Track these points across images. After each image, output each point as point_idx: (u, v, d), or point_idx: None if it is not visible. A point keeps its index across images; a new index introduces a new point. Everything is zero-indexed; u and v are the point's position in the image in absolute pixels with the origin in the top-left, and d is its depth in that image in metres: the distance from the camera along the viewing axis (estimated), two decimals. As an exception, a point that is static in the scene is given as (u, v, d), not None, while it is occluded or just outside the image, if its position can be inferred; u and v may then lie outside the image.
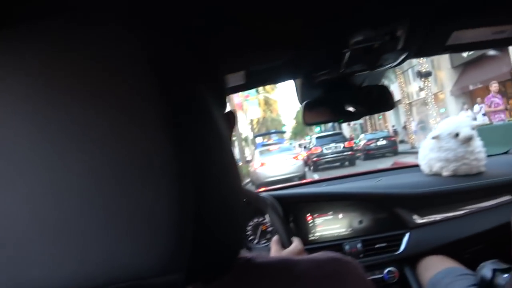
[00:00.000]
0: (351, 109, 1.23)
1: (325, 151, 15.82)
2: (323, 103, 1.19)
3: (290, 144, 19.47)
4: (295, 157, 13.54)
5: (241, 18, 0.79)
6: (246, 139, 28.24)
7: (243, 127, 29.04)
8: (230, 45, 0.87)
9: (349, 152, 15.86)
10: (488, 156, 1.61)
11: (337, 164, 15.77)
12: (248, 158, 20.73)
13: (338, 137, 16.41)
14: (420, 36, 0.92)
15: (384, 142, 17.15)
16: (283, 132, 33.28)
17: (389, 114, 27.85)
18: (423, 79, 15.79)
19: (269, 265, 0.41)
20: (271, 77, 1.11)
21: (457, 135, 1.49)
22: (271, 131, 32.26)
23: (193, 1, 0.69)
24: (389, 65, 1.03)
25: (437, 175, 1.63)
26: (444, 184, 1.53)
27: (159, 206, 0.27)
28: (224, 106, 0.47)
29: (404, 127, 22.15)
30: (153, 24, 0.37)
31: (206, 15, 0.74)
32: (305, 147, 18.89)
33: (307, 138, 32.99)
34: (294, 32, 0.86)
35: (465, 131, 1.47)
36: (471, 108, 12.57)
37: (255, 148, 18.95)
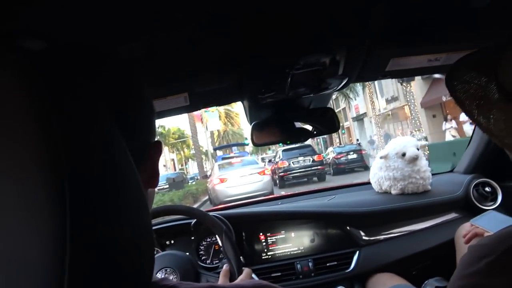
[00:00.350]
0: (300, 130, 1.24)
1: (292, 166, 14.25)
2: (271, 124, 1.20)
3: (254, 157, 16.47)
4: (262, 172, 11.53)
5: (180, 43, 0.79)
6: (206, 153, 26.99)
7: (203, 140, 27.67)
8: (170, 68, 0.86)
9: (319, 167, 14.31)
10: (434, 174, 1.67)
11: (305, 180, 14.47)
12: (208, 173, 18.06)
13: (307, 150, 14.70)
14: (358, 62, 0.95)
15: (354, 156, 16.09)
16: (245, 145, 30.13)
17: (354, 127, 28.27)
18: (403, 84, 15.43)
19: None
20: (216, 99, 1.11)
21: (403, 154, 1.54)
22: (231, 144, 30.37)
23: (130, 26, 0.68)
24: (332, 88, 1.05)
25: (386, 193, 1.67)
26: (392, 202, 1.58)
27: (32, 242, 0.26)
28: (151, 135, 0.47)
29: (371, 141, 22.34)
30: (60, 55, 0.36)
31: (143, 40, 0.74)
32: (270, 161, 17.24)
33: (269, 152, 31.74)
34: (236, 56, 0.87)
35: (411, 151, 1.53)
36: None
37: (216, 162, 16.69)
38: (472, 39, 0.98)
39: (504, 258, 0.51)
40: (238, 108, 37.60)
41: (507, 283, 0.49)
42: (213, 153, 26.45)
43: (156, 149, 0.45)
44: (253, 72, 0.93)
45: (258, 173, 11.47)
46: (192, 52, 0.83)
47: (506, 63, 0.54)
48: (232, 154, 18.51)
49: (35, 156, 0.27)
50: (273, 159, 17.73)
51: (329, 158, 16.90)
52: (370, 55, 0.94)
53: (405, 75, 1.15)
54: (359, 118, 27.29)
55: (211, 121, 26.21)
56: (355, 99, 24.40)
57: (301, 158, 14.29)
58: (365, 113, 25.59)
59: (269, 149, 36.70)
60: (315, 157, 14.40)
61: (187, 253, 1.44)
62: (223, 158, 16.17)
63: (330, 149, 18.88)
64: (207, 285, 0.43)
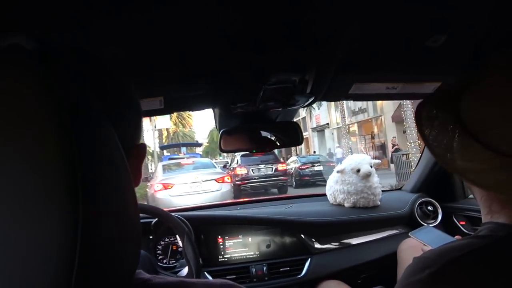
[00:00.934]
0: (265, 139, 1.31)
1: (252, 174, 12.23)
2: (239, 133, 1.26)
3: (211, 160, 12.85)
4: (220, 179, 8.90)
5: (160, 50, 0.83)
6: (152, 153, 22.95)
7: (149, 139, 23.37)
8: (149, 72, 0.90)
9: (281, 177, 12.42)
10: (383, 191, 1.80)
11: (263, 191, 12.35)
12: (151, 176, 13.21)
13: (270, 157, 12.71)
14: (325, 84, 1.04)
15: (321, 167, 14.14)
16: (198, 145, 25.18)
17: (313, 138, 27.27)
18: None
19: (166, 285, 0.44)
20: (190, 105, 1.15)
21: (358, 171, 1.66)
22: (182, 143, 23.68)
23: (111, 30, 0.72)
24: (300, 105, 1.13)
25: (340, 205, 1.78)
26: (345, 214, 1.68)
27: (47, 233, 0.29)
28: (137, 137, 0.50)
29: (329, 154, 21.23)
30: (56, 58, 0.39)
31: (122, 44, 0.77)
32: (224, 166, 14.21)
33: (220, 158, 27.92)
34: (212, 67, 0.92)
35: (365, 168, 1.64)
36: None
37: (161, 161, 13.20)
38: (425, 73, 1.10)
39: (445, 270, 0.57)
40: (191, 109, 35.45)
41: None
42: (159, 153, 22.62)
43: (140, 151, 0.48)
44: (228, 84, 0.99)
45: (215, 180, 8.77)
46: (171, 60, 0.88)
47: (466, 104, 0.61)
48: (181, 155, 14.87)
49: (52, 150, 0.30)
50: (227, 165, 15.37)
51: (291, 169, 14.95)
52: (335, 78, 1.03)
53: (366, 99, 1.26)
54: (320, 129, 26.70)
55: (160, 118, 21.90)
56: (318, 109, 23.62)
57: (262, 166, 12.40)
58: (327, 124, 24.95)
59: (220, 154, 32.06)
60: (279, 166, 12.55)
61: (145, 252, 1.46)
62: (170, 159, 12.95)
63: (292, 158, 17.11)
64: (178, 280, 0.47)
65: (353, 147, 19.04)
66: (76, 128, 0.31)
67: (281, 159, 16.48)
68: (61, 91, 0.31)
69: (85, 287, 0.31)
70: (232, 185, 9.67)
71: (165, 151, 21.95)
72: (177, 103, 1.09)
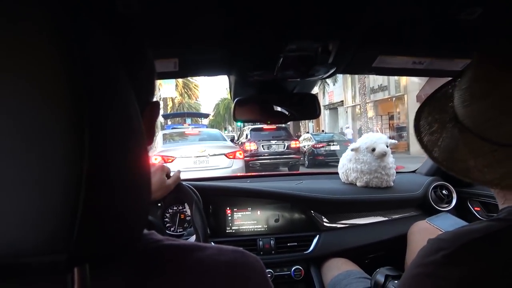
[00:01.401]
0: (279, 112, 1.27)
1: (262, 150, 11.23)
2: (254, 102, 1.21)
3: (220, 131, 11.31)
4: (231, 154, 7.57)
5: (176, 8, 0.78)
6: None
7: None
8: (165, 32, 0.86)
9: (294, 156, 11.37)
10: (398, 172, 1.76)
11: (274, 169, 11.19)
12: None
13: (282, 132, 11.61)
14: (348, 55, 0.98)
15: (337, 147, 12.95)
16: (206, 116, 22.99)
17: (324, 116, 26.38)
18: None
19: (179, 247, 0.43)
20: (205, 69, 1.11)
21: (373, 150, 1.61)
22: (187, 112, 22.54)
23: None
24: (319, 76, 1.08)
25: (352, 184, 1.74)
26: (356, 193, 1.65)
27: (52, 167, 0.27)
28: (150, 93, 0.47)
29: (341, 133, 19.60)
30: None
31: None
32: (232, 140, 12.10)
33: (225, 132, 26.08)
34: (230, 29, 0.87)
35: (380, 147, 1.59)
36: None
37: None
38: (456, 49, 1.03)
39: (459, 253, 0.56)
40: (198, 79, 33.92)
41: (458, 275, 0.55)
42: (163, 122, 20.72)
43: (154, 108, 0.46)
44: (246, 48, 0.94)
45: (225, 154, 7.51)
46: (188, 19, 0.83)
47: (458, 101, 0.62)
48: (186, 125, 13.22)
49: (60, 89, 0.27)
50: (235, 139, 13.78)
51: (304, 146, 13.80)
52: (359, 49, 0.97)
53: (390, 73, 1.19)
54: (333, 107, 25.57)
55: (165, 86, 21.73)
56: (334, 85, 22.37)
57: (273, 142, 11.35)
58: (341, 101, 23.65)
59: (225, 129, 31.88)
60: (291, 143, 11.42)
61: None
62: (174, 128, 11.30)
63: (306, 135, 15.73)
64: (190, 243, 0.45)
65: (366, 127, 17.49)
66: (85, 64, 0.29)
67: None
68: (69, 18, 0.29)
69: (89, 234, 0.29)
70: (243, 162, 8.12)
71: (168, 121, 21.00)
72: (192, 66, 1.04)
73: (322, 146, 13.39)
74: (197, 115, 22.65)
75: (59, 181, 0.27)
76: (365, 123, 17.46)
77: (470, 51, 1.07)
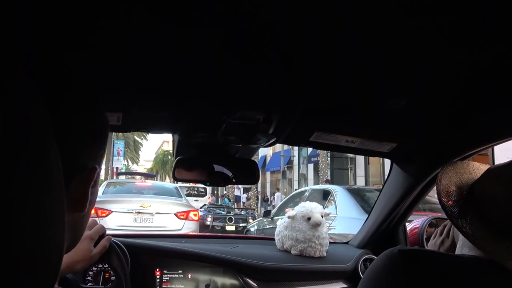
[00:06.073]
0: (222, 174, 1.29)
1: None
2: (195, 163, 1.23)
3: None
4: (183, 214, 6.40)
5: (124, 64, 0.80)
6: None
7: None
8: (111, 85, 0.87)
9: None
10: (331, 243, 1.80)
11: None
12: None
13: None
14: (288, 126, 1.05)
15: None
16: (153, 176, 21.00)
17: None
18: None
19: None
20: (149, 126, 1.12)
21: (309, 219, 1.65)
22: (138, 172, 20.01)
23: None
24: (260, 144, 1.13)
25: (287, 251, 1.75)
26: (290, 261, 1.65)
27: None
28: (90, 159, 0.45)
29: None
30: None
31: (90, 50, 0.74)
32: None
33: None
34: (179, 92, 0.90)
35: (316, 217, 1.64)
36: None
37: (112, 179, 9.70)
38: (384, 133, 1.15)
39: None
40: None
41: None
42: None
43: (90, 174, 0.44)
44: (191, 111, 0.97)
45: (175, 214, 6.35)
46: (135, 76, 0.85)
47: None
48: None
49: None
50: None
51: None
52: (298, 123, 1.05)
53: (326, 148, 1.28)
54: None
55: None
56: None
57: None
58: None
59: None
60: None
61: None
62: (120, 174, 9.89)
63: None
64: None
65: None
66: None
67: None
68: None
69: None
70: (198, 224, 6.90)
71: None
72: (136, 122, 1.05)
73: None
74: (146, 175, 21.47)
75: None
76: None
77: (396, 136, 1.19)
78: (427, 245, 1.45)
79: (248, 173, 1.27)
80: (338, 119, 1.07)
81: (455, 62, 0.76)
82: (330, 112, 1.02)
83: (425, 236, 1.51)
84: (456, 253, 0.87)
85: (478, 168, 0.90)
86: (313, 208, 1.66)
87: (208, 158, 1.23)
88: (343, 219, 4.68)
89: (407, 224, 1.75)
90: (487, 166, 0.88)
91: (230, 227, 8.98)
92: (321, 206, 1.73)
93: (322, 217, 1.66)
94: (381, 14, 0.59)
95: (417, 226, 1.60)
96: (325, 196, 5.59)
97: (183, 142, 1.17)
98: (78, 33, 0.66)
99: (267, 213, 7.01)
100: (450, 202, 0.81)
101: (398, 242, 1.80)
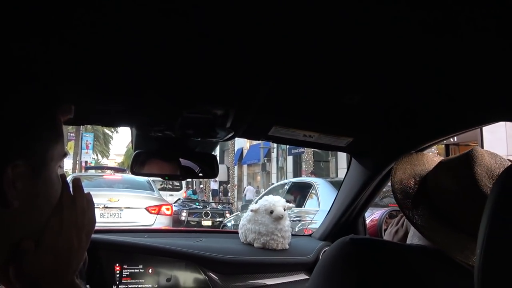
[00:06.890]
0: (180, 169, 1.28)
1: None
2: (153, 157, 1.21)
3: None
4: (155, 208, 6.09)
5: (75, 56, 0.78)
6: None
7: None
8: (63, 74, 0.84)
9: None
10: (293, 235, 1.83)
11: None
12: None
13: None
14: (245, 121, 1.05)
15: None
16: (123, 170, 16.37)
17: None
18: None
19: None
20: (104, 119, 1.09)
21: (271, 212, 1.67)
22: (107, 166, 17.54)
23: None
24: (218, 138, 1.13)
25: (250, 244, 1.76)
26: (252, 254, 1.67)
27: None
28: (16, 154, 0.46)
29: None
30: None
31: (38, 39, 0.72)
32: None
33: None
34: (132, 84, 0.89)
35: (278, 210, 1.66)
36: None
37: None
38: (340, 127, 1.17)
39: None
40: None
41: None
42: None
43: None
44: (145, 105, 0.96)
45: (146, 208, 6.00)
46: (86, 68, 0.83)
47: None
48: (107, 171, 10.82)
49: None
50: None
51: None
52: (256, 117, 1.05)
53: (285, 142, 1.29)
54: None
55: None
56: None
57: None
58: None
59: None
60: None
61: None
62: (88, 169, 9.64)
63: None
64: None
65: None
66: None
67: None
68: None
69: None
70: (171, 219, 6.53)
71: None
72: (89, 114, 1.03)
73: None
74: (116, 169, 20.27)
75: None
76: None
77: (352, 130, 1.22)
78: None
79: (208, 167, 1.26)
80: (295, 114, 1.08)
81: (406, 60, 0.78)
82: (287, 107, 1.03)
83: (384, 227, 1.56)
84: (407, 242, 0.90)
85: (431, 159, 0.93)
86: (276, 201, 1.68)
87: (166, 153, 1.22)
88: (325, 213, 4.67)
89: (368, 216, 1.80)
90: (441, 158, 0.91)
91: (206, 222, 8.72)
92: (284, 200, 1.75)
93: (284, 210, 1.69)
94: (333, 12, 0.59)
95: (377, 217, 1.65)
96: (306, 188, 5.40)
97: (141, 135, 1.15)
98: (22, 23, 0.64)
99: (244, 207, 7.02)
100: (403, 194, 0.83)
101: (357, 233, 1.85)
